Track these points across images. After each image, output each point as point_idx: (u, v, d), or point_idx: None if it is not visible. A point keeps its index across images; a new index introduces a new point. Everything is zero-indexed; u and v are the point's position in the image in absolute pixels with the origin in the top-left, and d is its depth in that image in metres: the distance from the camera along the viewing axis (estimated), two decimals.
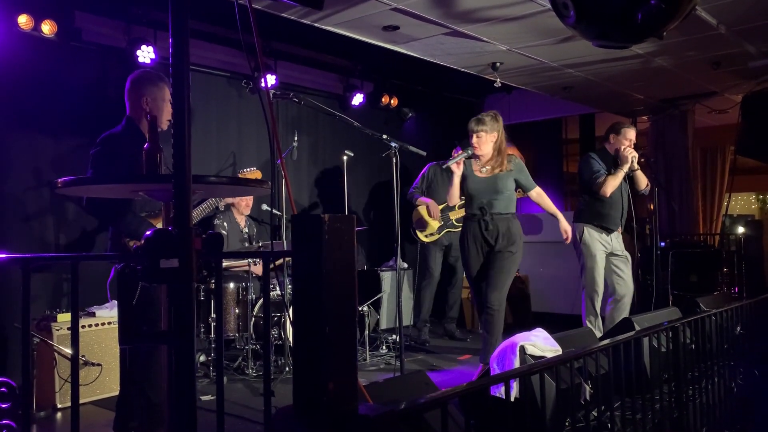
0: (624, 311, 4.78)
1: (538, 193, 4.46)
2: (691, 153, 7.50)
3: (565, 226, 4.44)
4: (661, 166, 7.47)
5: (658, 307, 4.88)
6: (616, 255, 4.90)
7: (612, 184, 4.76)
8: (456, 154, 4.26)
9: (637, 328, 3.27)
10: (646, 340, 3.12)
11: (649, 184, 4.80)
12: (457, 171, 4.33)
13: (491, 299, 4.14)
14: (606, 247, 4.87)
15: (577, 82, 6.19)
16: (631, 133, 4.81)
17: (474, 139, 4.31)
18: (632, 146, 4.78)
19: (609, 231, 4.85)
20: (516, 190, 4.40)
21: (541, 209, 4.53)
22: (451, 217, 5.90)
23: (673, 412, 2.95)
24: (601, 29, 2.25)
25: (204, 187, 2.19)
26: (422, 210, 5.90)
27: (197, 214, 4.58)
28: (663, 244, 6.32)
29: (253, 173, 5.15)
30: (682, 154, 7.45)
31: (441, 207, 5.87)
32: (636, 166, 4.74)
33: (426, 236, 5.90)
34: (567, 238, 4.47)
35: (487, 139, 4.30)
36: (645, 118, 7.91)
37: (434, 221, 5.87)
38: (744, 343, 3.80)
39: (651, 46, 5.05)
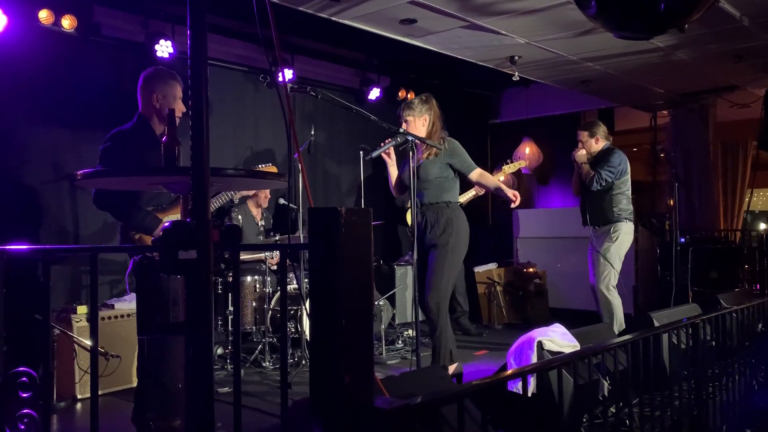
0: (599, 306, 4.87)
1: (479, 175, 4.02)
2: (712, 148, 7.40)
3: (509, 194, 3.98)
4: (681, 161, 7.38)
5: (678, 304, 4.83)
6: (595, 251, 4.95)
7: (572, 185, 5.23)
8: (383, 143, 3.90)
9: (657, 324, 3.24)
10: (665, 336, 3.08)
11: (589, 174, 4.84)
12: (389, 160, 4.02)
13: (427, 301, 3.79)
14: (591, 241, 5.01)
15: (596, 75, 6.13)
16: (577, 135, 5.13)
17: (403, 125, 3.97)
18: (578, 146, 5.06)
19: (591, 226, 5.00)
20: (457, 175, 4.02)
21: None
22: None
23: (692, 409, 2.91)
24: (622, 20, 2.21)
25: (221, 180, 2.20)
26: None
27: (212, 206, 4.61)
28: (683, 239, 6.24)
29: (268, 168, 5.16)
30: (703, 149, 7.35)
31: None
32: (580, 160, 4.97)
33: None
34: (515, 200, 4.00)
35: (416, 123, 3.95)
36: (665, 112, 7.81)
37: None
38: (766, 340, 3.74)
39: (671, 39, 4.98)
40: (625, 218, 4.82)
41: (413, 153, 3.65)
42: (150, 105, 3.09)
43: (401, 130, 3.71)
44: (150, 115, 3.10)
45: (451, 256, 3.85)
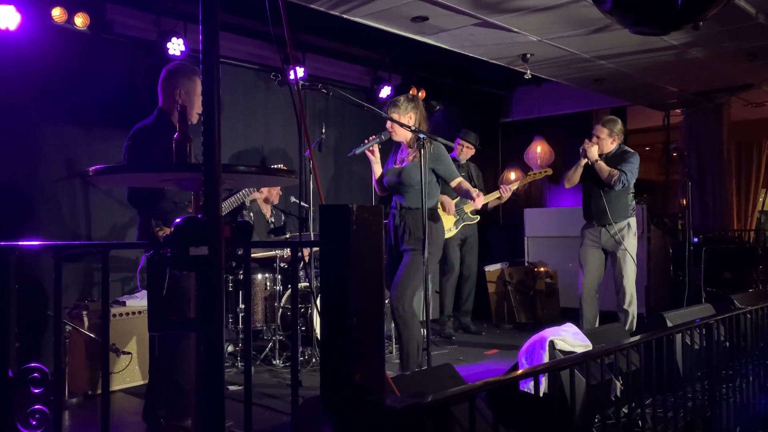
0: (622, 305, 4.76)
1: (459, 183, 3.86)
2: (726, 147, 7.33)
3: (473, 193, 3.81)
4: (694, 160, 7.32)
5: (691, 304, 4.79)
6: (609, 251, 4.87)
7: (567, 177, 5.03)
8: (368, 140, 3.77)
9: (670, 324, 3.21)
10: (678, 336, 3.06)
11: (613, 174, 4.69)
12: (372, 157, 3.88)
13: (393, 299, 3.68)
14: (595, 240, 4.89)
15: (609, 73, 6.09)
16: (594, 129, 4.98)
17: (388, 124, 3.82)
18: (593, 140, 4.88)
19: (597, 224, 4.87)
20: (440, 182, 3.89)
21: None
22: (466, 210, 5.83)
23: (705, 410, 2.89)
24: (638, 15, 2.19)
25: (232, 176, 2.20)
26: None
27: (225, 207, 4.61)
28: (696, 239, 6.19)
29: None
30: (716, 148, 7.29)
31: (454, 201, 5.75)
32: (593, 157, 4.79)
33: (445, 232, 5.84)
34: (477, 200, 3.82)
35: (402, 122, 3.75)
36: (678, 111, 7.75)
37: (450, 216, 5.77)
38: None
39: (686, 37, 4.93)
40: (633, 215, 4.84)
41: (424, 151, 3.61)
42: (172, 100, 3.07)
43: (413, 128, 3.69)
44: (171, 110, 3.08)
45: (419, 260, 3.66)
